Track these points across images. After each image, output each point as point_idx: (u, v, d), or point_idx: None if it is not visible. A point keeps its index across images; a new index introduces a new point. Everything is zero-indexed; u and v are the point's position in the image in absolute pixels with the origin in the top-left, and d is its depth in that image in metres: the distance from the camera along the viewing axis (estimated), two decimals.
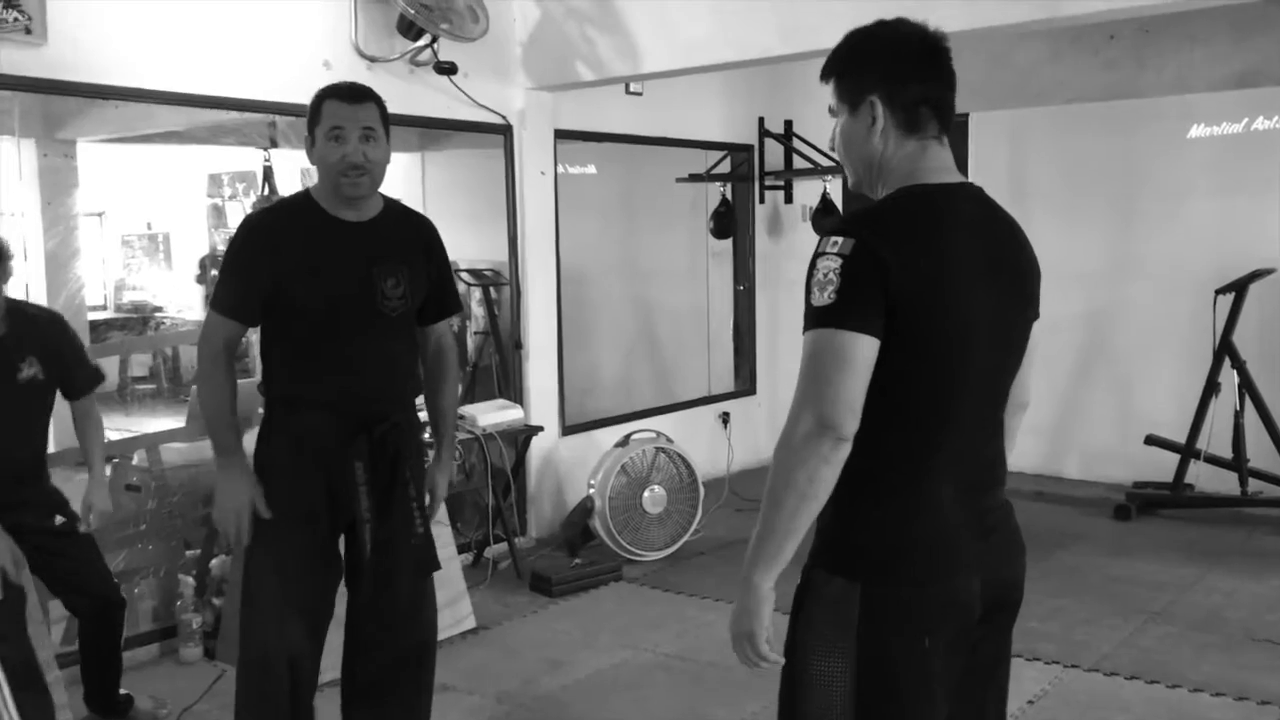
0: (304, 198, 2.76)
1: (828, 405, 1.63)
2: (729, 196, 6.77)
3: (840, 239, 1.66)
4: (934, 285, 1.68)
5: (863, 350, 1.64)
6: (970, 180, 1.83)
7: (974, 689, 1.86)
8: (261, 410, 2.79)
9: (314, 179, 2.75)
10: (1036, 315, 1.89)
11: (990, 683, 1.91)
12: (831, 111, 1.85)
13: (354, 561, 2.78)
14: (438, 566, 2.87)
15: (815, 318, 1.66)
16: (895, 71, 1.78)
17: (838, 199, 6.55)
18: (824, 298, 1.65)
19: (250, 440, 2.78)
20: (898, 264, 1.64)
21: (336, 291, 2.65)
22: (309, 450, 2.67)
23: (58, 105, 4.48)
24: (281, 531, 2.69)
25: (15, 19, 3.59)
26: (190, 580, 4.11)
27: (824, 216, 6.46)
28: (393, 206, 2.82)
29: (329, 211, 2.69)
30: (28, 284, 5.68)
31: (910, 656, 1.71)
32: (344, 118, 2.63)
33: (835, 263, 1.65)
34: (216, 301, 2.71)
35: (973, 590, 1.75)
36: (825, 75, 1.85)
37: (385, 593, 2.77)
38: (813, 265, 1.68)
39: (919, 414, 1.72)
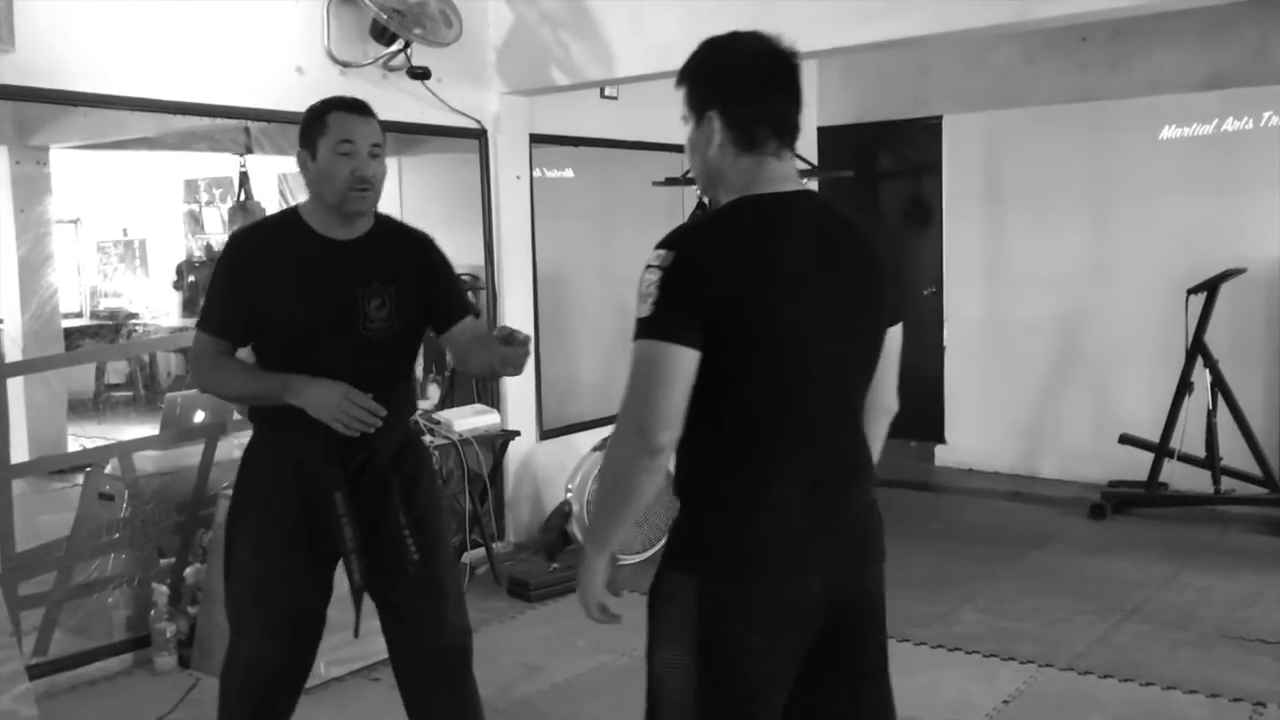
0: (292, 215, 2.68)
1: (645, 417, 1.69)
2: (705, 200, 6.78)
3: (662, 252, 1.71)
4: (757, 291, 1.71)
5: (679, 362, 1.68)
6: (811, 189, 1.86)
7: (837, 711, 1.86)
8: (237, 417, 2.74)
9: (291, 184, 2.68)
10: (897, 319, 1.90)
11: (857, 705, 1.89)
12: (683, 118, 1.88)
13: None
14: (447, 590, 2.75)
15: (637, 329, 1.71)
16: (735, 90, 1.82)
17: None
18: (644, 309, 1.69)
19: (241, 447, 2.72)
20: (717, 274, 1.69)
21: (317, 313, 2.57)
22: (292, 474, 2.60)
23: (28, 112, 4.45)
24: (260, 551, 2.65)
25: None
26: (164, 589, 4.08)
27: None
28: (384, 222, 2.72)
29: (317, 230, 2.61)
30: None
31: (739, 651, 1.76)
32: (355, 131, 2.56)
33: (655, 275, 1.70)
34: (205, 321, 2.64)
35: (811, 591, 1.78)
36: (677, 83, 1.89)
37: (393, 614, 2.74)
38: (641, 278, 1.72)
39: (756, 415, 1.76)
